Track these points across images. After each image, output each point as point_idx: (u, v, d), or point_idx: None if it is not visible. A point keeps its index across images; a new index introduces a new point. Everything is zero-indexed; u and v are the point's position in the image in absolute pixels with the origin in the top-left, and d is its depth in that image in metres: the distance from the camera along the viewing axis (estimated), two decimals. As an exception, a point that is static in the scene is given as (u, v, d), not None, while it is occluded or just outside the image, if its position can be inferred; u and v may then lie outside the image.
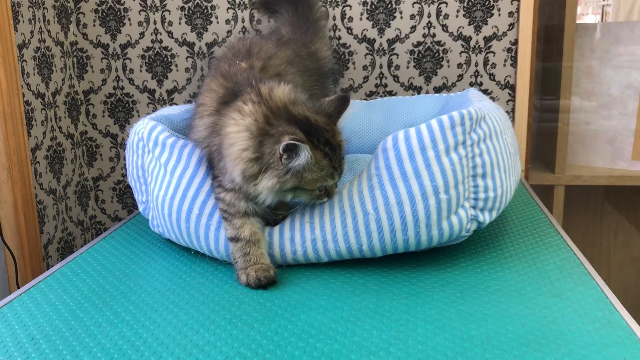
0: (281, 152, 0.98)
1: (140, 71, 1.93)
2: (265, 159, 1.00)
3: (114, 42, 1.91)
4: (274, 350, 0.84)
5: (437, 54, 1.83)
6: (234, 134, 1.02)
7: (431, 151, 1.05)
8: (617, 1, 3.10)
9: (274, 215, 1.13)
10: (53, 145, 1.80)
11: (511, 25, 1.79)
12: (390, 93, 1.86)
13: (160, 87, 1.93)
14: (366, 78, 1.86)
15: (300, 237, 1.10)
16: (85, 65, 1.93)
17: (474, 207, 1.11)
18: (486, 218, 1.13)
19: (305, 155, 0.97)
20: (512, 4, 1.77)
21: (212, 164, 1.12)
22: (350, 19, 1.83)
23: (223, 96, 1.11)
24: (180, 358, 0.83)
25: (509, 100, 1.84)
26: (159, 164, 1.18)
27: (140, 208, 1.30)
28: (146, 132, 1.21)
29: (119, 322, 0.94)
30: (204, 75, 1.86)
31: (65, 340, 0.89)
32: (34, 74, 1.70)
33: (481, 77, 1.83)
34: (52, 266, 1.78)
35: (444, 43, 1.82)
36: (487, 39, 1.80)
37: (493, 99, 1.84)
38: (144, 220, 1.45)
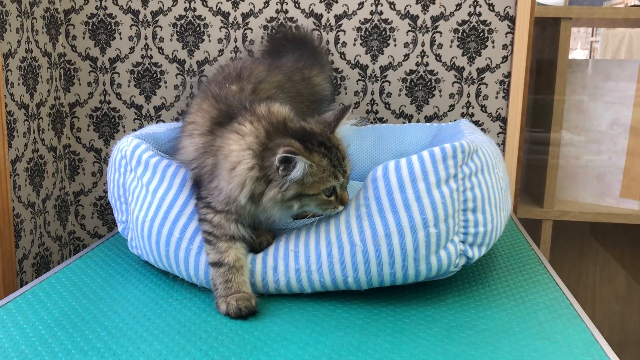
0: (277, 165, 0.98)
1: (129, 86, 1.89)
2: (267, 174, 1.00)
3: (103, 56, 1.88)
4: (250, 387, 0.80)
5: (429, 83, 1.82)
6: (237, 152, 1.01)
7: (422, 183, 1.03)
8: (605, 38, 3.14)
9: (258, 240, 1.09)
10: (34, 157, 1.75)
11: (505, 58, 1.78)
12: (381, 120, 1.84)
13: (148, 103, 1.90)
14: (357, 104, 1.84)
15: (284, 267, 1.06)
16: (72, 78, 1.90)
17: (463, 242, 1.08)
18: (475, 254, 1.10)
19: (301, 165, 0.97)
20: (506, 37, 1.77)
21: (199, 185, 1.09)
22: (344, 44, 1.81)
23: (217, 117, 1.09)
24: (152, 392, 0.78)
25: (499, 133, 1.83)
26: (141, 183, 1.15)
27: (120, 228, 1.25)
28: (129, 150, 1.18)
29: (89, 349, 0.89)
30: (193, 94, 1.83)
31: (31, 367, 0.84)
32: (19, 84, 1.66)
33: (473, 108, 1.82)
34: (26, 282, 1.72)
35: (437, 72, 1.81)
36: (480, 71, 1.80)
37: (484, 130, 1.83)
38: (123, 239, 1.41)
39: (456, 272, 1.11)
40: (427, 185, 1.03)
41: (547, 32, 1.99)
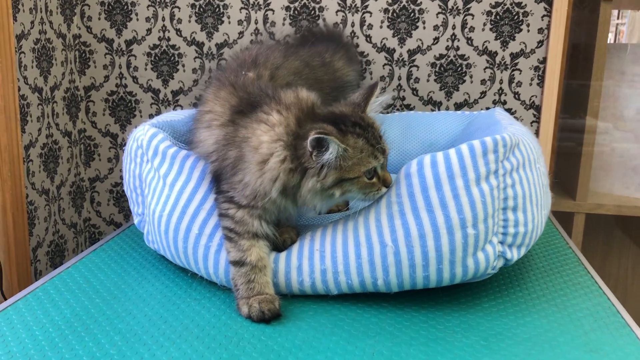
0: (310, 150, 0.92)
1: (145, 69, 1.82)
2: (302, 163, 0.94)
3: (119, 37, 1.81)
4: (275, 402, 0.74)
5: (460, 69, 1.72)
6: (267, 144, 0.95)
7: (460, 180, 0.95)
8: (632, 21, 3.00)
9: (282, 238, 1.03)
10: (48, 142, 1.70)
11: (540, 43, 1.68)
12: (408, 107, 1.76)
13: (165, 88, 1.83)
14: (384, 89, 1.75)
15: (308, 267, 0.99)
16: (87, 60, 1.83)
17: (502, 243, 1.00)
18: (514, 255, 1.02)
19: (333, 147, 0.91)
20: (542, 20, 1.67)
21: (219, 179, 1.02)
22: (370, 27, 1.72)
23: (237, 105, 1.02)
24: (168, 407, 0.72)
25: (533, 122, 1.74)
26: (158, 175, 1.08)
27: (136, 220, 1.19)
28: (146, 139, 1.11)
29: (102, 355, 0.83)
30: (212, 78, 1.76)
31: (40, 375, 0.78)
32: (32, 67, 1.60)
33: (505, 95, 1.72)
34: (40, 271, 1.67)
35: (468, 57, 1.71)
36: (514, 56, 1.70)
37: (517, 119, 1.73)
38: (139, 231, 1.35)
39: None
40: (465, 182, 0.95)
41: (583, 15, 1.88)
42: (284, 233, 1.03)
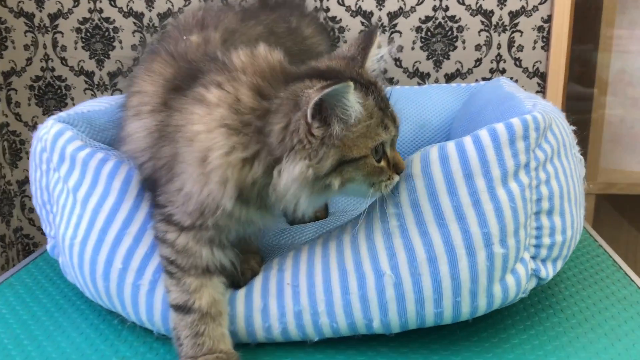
0: (310, 121, 0.63)
1: (75, 48, 1.52)
2: (272, 148, 0.66)
3: (40, 11, 1.50)
4: None
5: (450, 33, 1.46)
6: (204, 135, 0.66)
7: (481, 179, 0.68)
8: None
9: (245, 269, 0.76)
10: (-42, 142, 1.39)
11: (544, -2, 1.43)
12: (391, 81, 1.49)
13: (100, 69, 1.53)
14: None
15: (277, 308, 0.72)
16: (4, 40, 1.52)
17: (534, 258, 0.75)
18: (549, 272, 0.77)
19: (354, 103, 0.64)
20: (545, -30, 1.41)
21: (155, 186, 0.74)
22: (342, -13, 1.45)
23: (172, 79, 0.74)
24: None
25: (537, 92, 1.50)
26: (67, 188, 0.80)
27: (48, 245, 0.91)
28: (50, 139, 0.82)
29: None
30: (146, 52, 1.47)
31: None
32: None
33: (504, 62, 1.47)
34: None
35: (459, 19, 1.46)
36: (514, 15, 1.45)
37: (519, 90, 1.48)
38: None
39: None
40: (488, 182, 0.68)
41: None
42: (242, 262, 0.75)
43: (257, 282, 0.74)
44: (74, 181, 0.78)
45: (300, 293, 0.72)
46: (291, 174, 0.65)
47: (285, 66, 0.71)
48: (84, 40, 1.52)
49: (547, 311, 0.84)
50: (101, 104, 0.99)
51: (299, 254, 0.75)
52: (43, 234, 1.60)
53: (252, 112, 0.66)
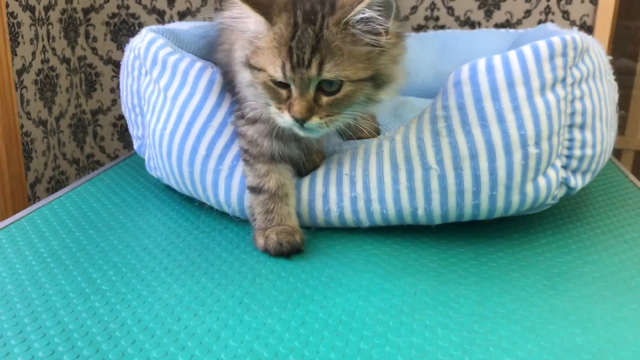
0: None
1: (149, -11, 1.65)
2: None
3: (119, -47, 1.63)
4: (299, 348, 0.60)
5: (501, -16, 1.53)
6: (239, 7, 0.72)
7: (522, 88, 0.78)
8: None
9: (307, 161, 0.87)
10: (44, 69, 1.54)
11: (595, -47, 1.48)
12: (443, 28, 1.57)
13: (171, 8, 1.66)
14: (414, 9, 1.56)
15: (336, 194, 0.84)
16: (85, -22, 1.66)
17: (565, 168, 0.84)
18: (578, 183, 0.86)
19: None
20: None
21: (234, 89, 0.85)
22: (400, -64, 1.52)
23: None
24: (169, 354, 0.59)
25: (582, 45, 1.54)
26: (158, 88, 0.92)
27: (136, 145, 1.04)
28: (143, 46, 0.95)
29: (92, 292, 0.70)
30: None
31: (15, 314, 0.65)
32: (22, -19, 1.43)
33: (553, 14, 1.53)
34: (39, 208, 1.55)
35: (511, -29, 1.52)
36: (564, -32, 1.50)
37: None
38: (141, 159, 1.20)
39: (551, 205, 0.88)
40: (528, 90, 0.78)
41: None
42: (306, 155, 0.87)
43: (320, 172, 0.86)
44: (164, 81, 0.91)
45: (357, 182, 0.83)
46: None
47: None
48: (157, -19, 1.64)
49: (575, 223, 0.94)
50: (184, 26, 1.11)
51: (356, 151, 0.86)
52: (113, 160, 1.76)
53: None
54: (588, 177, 0.88)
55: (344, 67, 0.69)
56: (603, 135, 0.87)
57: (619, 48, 1.76)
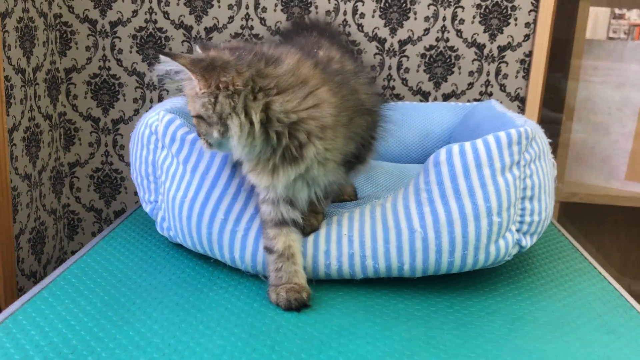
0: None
1: (130, 52, 1.77)
2: None
3: (103, 19, 1.75)
4: (329, 387, 0.75)
5: (449, 60, 1.76)
6: None
7: (487, 169, 0.98)
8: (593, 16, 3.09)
9: (306, 223, 1.03)
10: (31, 126, 1.63)
11: (527, 37, 1.74)
12: (398, 97, 1.78)
13: (150, 71, 1.79)
14: (374, 79, 1.77)
15: (336, 251, 1.00)
16: (69, 41, 1.77)
17: (518, 231, 1.04)
18: (528, 242, 1.07)
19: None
20: (529, 15, 1.72)
21: None
22: (362, 16, 1.73)
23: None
24: (226, 394, 0.72)
25: (517, 113, 1.79)
26: (177, 161, 1.06)
27: (147, 208, 1.16)
28: (162, 126, 1.09)
29: (146, 344, 0.82)
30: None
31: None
32: (16, 47, 1.53)
33: (492, 87, 1.77)
34: (22, 259, 1.61)
35: (457, 49, 1.75)
36: (502, 49, 1.75)
37: (502, 110, 1.79)
38: (143, 216, 1.32)
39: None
40: (492, 171, 0.98)
41: (565, 11, 1.95)
42: (304, 220, 1.02)
43: (322, 232, 1.02)
44: (183, 155, 1.05)
45: (354, 241, 1.00)
46: None
47: None
48: (138, 45, 1.77)
49: (523, 274, 1.13)
50: (183, 102, 1.25)
51: (352, 214, 1.03)
52: (88, 210, 1.84)
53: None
54: (535, 238, 1.09)
55: None
56: (546, 204, 1.08)
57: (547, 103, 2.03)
